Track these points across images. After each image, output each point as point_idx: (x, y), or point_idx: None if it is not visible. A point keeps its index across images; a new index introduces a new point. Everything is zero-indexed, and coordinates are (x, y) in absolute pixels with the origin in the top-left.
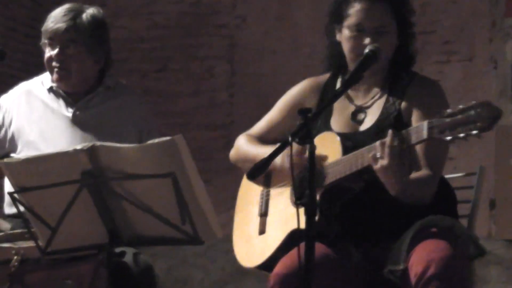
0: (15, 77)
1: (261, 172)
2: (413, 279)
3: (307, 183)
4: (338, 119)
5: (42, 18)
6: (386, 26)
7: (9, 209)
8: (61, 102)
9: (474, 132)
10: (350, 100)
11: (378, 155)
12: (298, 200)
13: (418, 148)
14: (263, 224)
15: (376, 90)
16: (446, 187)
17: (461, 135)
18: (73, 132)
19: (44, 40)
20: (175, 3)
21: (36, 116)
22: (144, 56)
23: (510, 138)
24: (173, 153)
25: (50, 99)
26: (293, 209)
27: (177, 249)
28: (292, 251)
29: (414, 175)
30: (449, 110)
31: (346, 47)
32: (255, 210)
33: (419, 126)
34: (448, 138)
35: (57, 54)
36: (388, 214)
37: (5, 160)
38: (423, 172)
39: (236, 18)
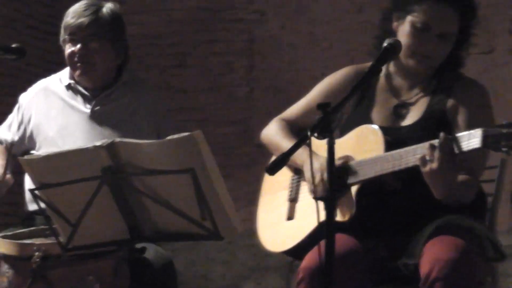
0: (34, 74)
1: (280, 168)
2: (421, 276)
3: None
4: (379, 112)
5: (61, 16)
6: (451, 34)
7: (30, 206)
8: (79, 99)
9: None
10: (394, 94)
11: (428, 158)
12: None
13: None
14: (292, 210)
15: (421, 87)
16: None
17: None
18: (91, 128)
19: (65, 36)
20: None
21: (55, 113)
22: (162, 52)
23: None
24: (192, 149)
25: (68, 95)
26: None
27: (198, 244)
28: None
29: (460, 177)
30: (505, 122)
31: (403, 41)
32: (284, 194)
33: (472, 134)
34: (504, 149)
35: (80, 49)
36: (418, 208)
37: (26, 157)
38: (466, 175)
39: (254, 12)
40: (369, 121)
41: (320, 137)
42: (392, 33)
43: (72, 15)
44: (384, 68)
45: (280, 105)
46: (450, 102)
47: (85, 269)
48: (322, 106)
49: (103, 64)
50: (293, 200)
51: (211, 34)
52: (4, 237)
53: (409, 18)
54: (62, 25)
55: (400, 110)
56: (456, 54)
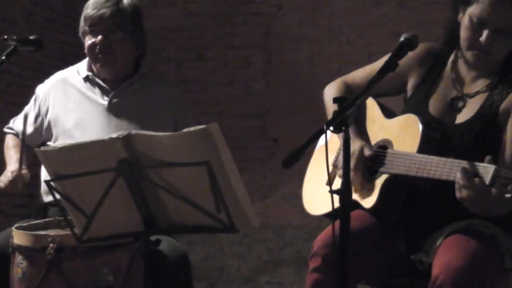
0: (53, 66)
1: (296, 161)
2: (431, 280)
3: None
4: (437, 101)
5: (79, 8)
6: (508, 28)
7: (46, 197)
8: (97, 91)
9: None
10: (455, 84)
11: (461, 183)
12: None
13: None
14: (333, 175)
15: (483, 81)
16: None
17: None
18: (108, 120)
19: (85, 28)
20: None
21: (72, 105)
22: (180, 45)
23: None
24: (208, 142)
25: (86, 87)
26: None
27: (213, 237)
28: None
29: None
30: None
31: (462, 33)
32: (331, 157)
33: (486, 168)
34: (508, 195)
35: (101, 40)
36: (444, 208)
37: (42, 148)
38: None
39: (272, 6)
40: (425, 107)
41: (336, 131)
42: (458, 25)
43: (93, 7)
44: (453, 55)
45: (296, 99)
46: (504, 105)
47: (100, 260)
48: (338, 100)
49: (123, 55)
50: (336, 166)
51: (228, 28)
52: (18, 228)
53: (468, 11)
54: (82, 16)
55: (457, 103)
56: None
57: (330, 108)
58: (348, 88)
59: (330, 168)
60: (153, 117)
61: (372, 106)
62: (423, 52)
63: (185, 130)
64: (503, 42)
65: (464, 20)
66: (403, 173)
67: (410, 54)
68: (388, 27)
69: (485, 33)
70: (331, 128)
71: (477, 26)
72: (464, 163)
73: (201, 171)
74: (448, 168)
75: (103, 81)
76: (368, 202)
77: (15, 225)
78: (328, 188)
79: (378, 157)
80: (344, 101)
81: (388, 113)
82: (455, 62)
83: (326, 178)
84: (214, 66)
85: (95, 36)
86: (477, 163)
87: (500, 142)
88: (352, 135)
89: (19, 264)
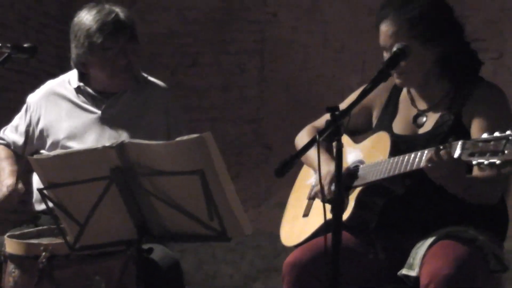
0: (48, 72)
1: (288, 169)
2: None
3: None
4: (401, 122)
5: (74, 14)
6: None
7: (38, 206)
8: (89, 101)
9: (498, 162)
10: (414, 104)
11: (431, 162)
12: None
13: None
14: (308, 207)
15: (439, 95)
16: (502, 205)
17: (486, 162)
18: (101, 129)
19: (96, 56)
20: None
21: (64, 114)
22: (175, 51)
23: None
24: (202, 150)
25: (78, 98)
26: None
27: (206, 244)
28: (307, 244)
29: (480, 174)
30: (484, 135)
31: None
32: (307, 192)
33: (454, 145)
34: (475, 162)
35: (127, 61)
36: (421, 216)
37: (35, 156)
38: (489, 172)
39: (267, 13)
40: (390, 130)
41: (328, 140)
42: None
43: (100, 31)
44: None
45: (290, 105)
46: (465, 109)
47: (92, 268)
48: (331, 109)
49: (136, 65)
50: (312, 198)
51: (223, 34)
52: (10, 236)
53: None
54: (97, 45)
55: (419, 119)
56: (458, 57)
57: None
58: (315, 130)
59: (306, 201)
60: (147, 125)
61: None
62: (381, 85)
63: (178, 138)
64: (408, 59)
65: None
66: (377, 178)
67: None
68: None
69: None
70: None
71: (385, 52)
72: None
73: (194, 179)
74: (419, 158)
75: (95, 91)
76: (345, 214)
77: (7, 234)
78: (305, 219)
79: (352, 174)
80: (336, 110)
81: (357, 140)
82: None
83: (303, 209)
84: (209, 72)
85: (112, 55)
86: (448, 143)
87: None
88: (324, 157)
89: (11, 273)
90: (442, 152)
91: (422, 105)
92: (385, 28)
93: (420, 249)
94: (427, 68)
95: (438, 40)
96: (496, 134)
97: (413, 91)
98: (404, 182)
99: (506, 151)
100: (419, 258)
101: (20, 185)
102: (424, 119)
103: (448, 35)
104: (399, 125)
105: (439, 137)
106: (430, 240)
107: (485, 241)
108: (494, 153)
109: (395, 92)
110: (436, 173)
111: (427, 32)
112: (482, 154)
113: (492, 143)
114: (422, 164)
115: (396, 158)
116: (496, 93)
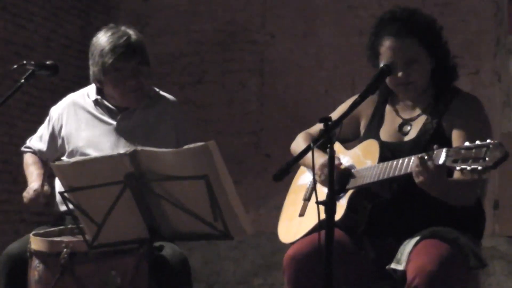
0: (68, 88)
1: (286, 174)
2: (407, 283)
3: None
4: (387, 130)
5: (93, 36)
6: (414, 57)
7: (61, 207)
8: (105, 113)
9: (480, 168)
10: (398, 114)
11: (417, 169)
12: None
13: None
14: (304, 208)
15: (421, 106)
16: (479, 207)
17: (469, 168)
18: (117, 139)
19: (112, 73)
20: (211, 22)
21: (84, 125)
22: (183, 70)
23: None
24: (207, 157)
25: (96, 110)
26: None
27: (211, 243)
28: (306, 238)
29: (460, 178)
30: (466, 143)
31: (386, 80)
32: (302, 194)
33: (438, 152)
34: (458, 168)
35: (138, 82)
36: (407, 218)
37: (57, 163)
38: (469, 176)
39: (266, 35)
40: (377, 138)
41: (322, 148)
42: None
43: (112, 53)
44: (388, 100)
45: (287, 119)
46: (445, 118)
47: (109, 265)
48: (324, 119)
49: (146, 85)
50: (307, 199)
51: (226, 54)
52: (35, 234)
53: (381, 60)
54: (101, 60)
55: (404, 128)
56: (442, 69)
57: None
58: (310, 136)
59: (302, 202)
60: (158, 135)
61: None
62: (368, 98)
63: (185, 147)
64: (416, 69)
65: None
66: (368, 181)
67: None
68: None
69: (399, 70)
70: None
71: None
72: (418, 154)
73: (200, 184)
74: (406, 163)
75: (111, 104)
76: (336, 216)
77: (33, 232)
78: (301, 218)
79: (345, 177)
80: (329, 120)
81: (348, 146)
82: (392, 100)
83: (299, 208)
84: (213, 89)
85: (123, 76)
86: (433, 151)
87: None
88: (317, 154)
89: (35, 268)
90: (428, 159)
91: (406, 114)
92: (395, 42)
93: (407, 246)
94: (428, 78)
95: (437, 52)
96: (477, 142)
97: (401, 102)
98: (391, 187)
99: (487, 158)
100: (406, 254)
101: (46, 187)
102: (409, 127)
103: (442, 48)
104: (386, 134)
105: (422, 144)
106: (416, 238)
107: (466, 240)
108: (475, 160)
109: (380, 104)
110: (421, 177)
111: (432, 42)
112: (464, 160)
113: (473, 150)
114: (410, 169)
115: (385, 164)
116: (473, 103)
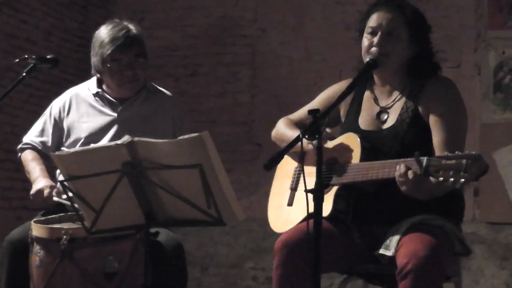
0: (68, 81)
1: (276, 163)
2: (398, 266)
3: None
4: (365, 118)
5: (92, 31)
6: (395, 31)
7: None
8: (106, 105)
9: (461, 180)
10: (376, 101)
11: (400, 180)
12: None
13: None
14: (292, 197)
15: (397, 92)
16: (459, 195)
17: (451, 179)
18: (117, 129)
19: (107, 58)
20: (205, 16)
21: (85, 116)
22: (178, 63)
23: (492, 134)
24: (200, 147)
25: (97, 102)
26: None
27: (205, 229)
28: (299, 225)
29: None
30: (446, 153)
31: (363, 48)
32: (288, 183)
33: (420, 161)
34: (441, 179)
35: (134, 73)
36: (393, 206)
37: (57, 152)
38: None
39: (257, 29)
40: (356, 126)
41: (310, 138)
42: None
43: (111, 43)
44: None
45: (278, 109)
46: (420, 103)
47: (107, 250)
48: (313, 111)
49: (143, 77)
50: (294, 189)
51: (219, 48)
52: (36, 221)
53: (365, 31)
54: (100, 51)
55: (381, 116)
56: (423, 61)
57: (284, 133)
58: (293, 124)
59: (289, 191)
60: (154, 125)
61: None
62: (345, 86)
63: (180, 137)
64: (393, 41)
65: (363, 40)
66: (352, 180)
67: (337, 91)
68: (357, 47)
69: (377, 37)
70: (306, 136)
71: (371, 35)
72: (400, 162)
73: (194, 172)
74: (388, 168)
75: (111, 96)
76: (325, 211)
77: (34, 219)
78: (290, 208)
79: (329, 172)
80: (317, 112)
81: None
82: (370, 85)
83: (286, 197)
84: (207, 81)
85: (120, 66)
86: (410, 160)
87: (426, 136)
88: (302, 155)
89: (37, 253)
90: (409, 171)
91: (383, 102)
92: (382, 14)
93: (396, 233)
94: (402, 61)
95: (420, 39)
96: (457, 153)
97: (378, 90)
98: (374, 183)
99: (467, 173)
100: (395, 241)
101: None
102: (386, 116)
103: (425, 38)
104: (364, 122)
105: (400, 135)
106: (405, 226)
107: (451, 227)
108: (456, 171)
109: (358, 93)
110: (405, 187)
111: (417, 28)
112: (446, 170)
113: (454, 161)
114: (392, 176)
115: (368, 166)
116: (446, 83)
